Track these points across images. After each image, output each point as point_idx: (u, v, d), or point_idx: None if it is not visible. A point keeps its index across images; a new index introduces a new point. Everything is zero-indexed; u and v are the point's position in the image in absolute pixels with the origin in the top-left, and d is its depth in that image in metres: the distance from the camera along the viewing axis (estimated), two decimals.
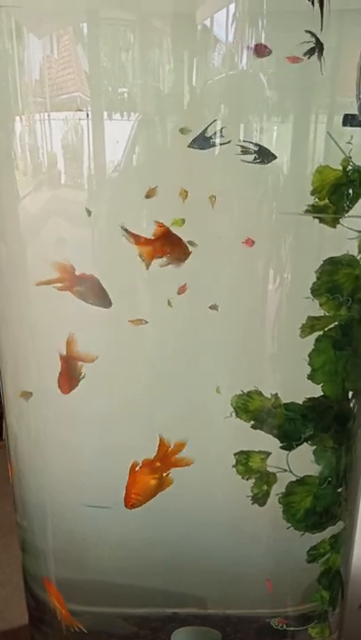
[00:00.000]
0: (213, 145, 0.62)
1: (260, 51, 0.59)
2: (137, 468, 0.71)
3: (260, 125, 0.64)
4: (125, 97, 0.64)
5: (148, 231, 0.68)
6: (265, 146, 0.63)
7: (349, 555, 0.83)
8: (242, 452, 0.72)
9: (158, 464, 0.71)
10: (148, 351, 0.73)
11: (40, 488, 0.81)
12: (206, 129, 0.62)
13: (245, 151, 0.62)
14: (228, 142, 0.62)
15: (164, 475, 0.71)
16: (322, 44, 0.59)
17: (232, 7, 0.60)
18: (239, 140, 0.63)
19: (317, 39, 0.59)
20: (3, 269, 0.75)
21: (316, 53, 0.59)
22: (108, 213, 0.69)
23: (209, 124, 0.62)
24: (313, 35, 0.59)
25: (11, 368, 0.79)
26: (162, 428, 0.74)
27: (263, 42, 0.61)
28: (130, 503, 0.71)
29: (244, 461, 0.72)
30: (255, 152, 0.62)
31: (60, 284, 0.68)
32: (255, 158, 0.63)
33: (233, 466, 0.72)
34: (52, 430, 0.77)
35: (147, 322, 0.69)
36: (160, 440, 0.71)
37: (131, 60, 0.63)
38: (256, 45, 0.60)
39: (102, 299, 0.67)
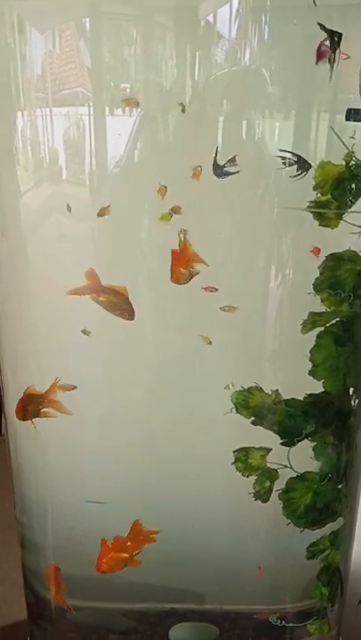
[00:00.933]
0: (227, 174, 0.63)
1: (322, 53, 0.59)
2: (108, 543, 0.75)
3: (262, 121, 0.64)
4: (128, 92, 0.64)
5: (149, 229, 0.68)
6: (263, 141, 0.63)
7: (349, 551, 0.83)
8: (241, 449, 0.72)
9: (129, 543, 0.75)
10: (148, 348, 0.73)
11: (40, 484, 0.81)
12: (215, 157, 0.62)
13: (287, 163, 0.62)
14: (238, 172, 0.63)
15: (134, 554, 0.75)
16: (340, 34, 0.59)
17: (235, 1, 0.60)
18: (279, 151, 0.63)
19: (332, 31, 0.58)
20: (3, 265, 0.75)
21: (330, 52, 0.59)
22: (110, 209, 0.69)
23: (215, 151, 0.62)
24: (325, 29, 0.58)
25: (11, 364, 0.79)
26: (162, 425, 0.74)
27: (266, 37, 0.61)
28: (101, 569, 0.76)
29: (244, 458, 0.72)
30: (295, 162, 0.62)
31: (87, 292, 0.68)
32: (297, 169, 0.63)
33: (233, 463, 0.72)
34: (51, 426, 0.77)
35: (211, 342, 0.69)
36: (134, 523, 0.74)
37: (133, 54, 0.63)
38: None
39: (127, 311, 0.68)
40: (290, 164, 0.63)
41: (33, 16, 0.64)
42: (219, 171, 0.62)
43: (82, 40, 0.64)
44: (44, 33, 0.64)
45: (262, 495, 0.72)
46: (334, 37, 0.58)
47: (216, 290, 0.68)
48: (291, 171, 0.64)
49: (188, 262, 0.66)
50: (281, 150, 0.63)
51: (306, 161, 0.63)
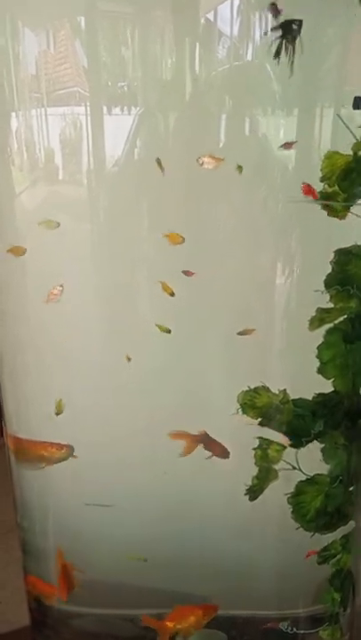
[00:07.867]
0: None
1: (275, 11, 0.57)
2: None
3: (267, 113, 0.63)
4: (125, 90, 0.63)
5: (152, 226, 0.67)
6: (267, 133, 0.62)
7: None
8: (265, 439, 0.71)
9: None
10: (150, 347, 0.72)
11: (41, 488, 0.80)
12: None
13: None
14: None
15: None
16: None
17: None
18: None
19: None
20: (1, 266, 0.74)
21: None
22: (108, 207, 0.68)
23: None
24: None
25: (9, 367, 0.78)
26: (166, 427, 0.73)
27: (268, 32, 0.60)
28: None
29: (265, 446, 0.71)
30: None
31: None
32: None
33: (253, 448, 0.71)
34: (52, 429, 0.76)
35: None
36: None
37: (131, 52, 0.62)
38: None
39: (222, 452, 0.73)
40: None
41: (27, 15, 0.63)
42: None
43: (77, 39, 0.63)
44: (39, 32, 0.63)
45: (254, 492, 0.72)
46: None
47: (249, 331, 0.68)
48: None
49: None
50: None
51: None
